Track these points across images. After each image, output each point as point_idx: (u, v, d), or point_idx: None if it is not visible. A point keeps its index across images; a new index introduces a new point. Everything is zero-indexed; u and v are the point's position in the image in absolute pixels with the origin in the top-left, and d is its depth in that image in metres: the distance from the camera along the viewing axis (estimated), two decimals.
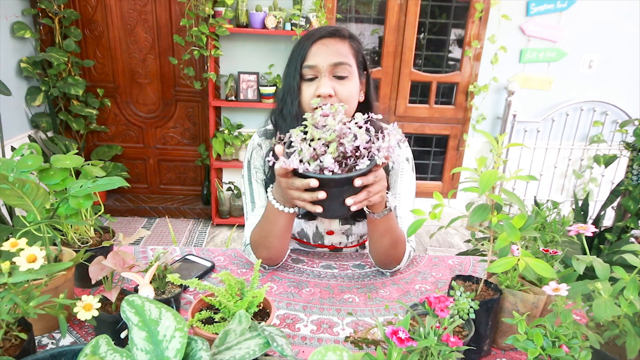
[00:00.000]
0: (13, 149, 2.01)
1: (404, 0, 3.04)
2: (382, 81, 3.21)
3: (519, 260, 0.63)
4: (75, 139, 3.09)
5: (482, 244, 0.81)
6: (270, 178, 1.05)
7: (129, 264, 0.73)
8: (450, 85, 3.27)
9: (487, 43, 3.07)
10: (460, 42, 3.17)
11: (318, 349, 0.50)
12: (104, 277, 0.71)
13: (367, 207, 0.91)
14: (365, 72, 1.04)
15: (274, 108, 1.05)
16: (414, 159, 1.12)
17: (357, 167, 0.75)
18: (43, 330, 0.75)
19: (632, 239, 1.96)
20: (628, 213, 1.99)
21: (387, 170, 1.06)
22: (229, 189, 3.28)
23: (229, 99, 3.03)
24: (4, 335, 0.60)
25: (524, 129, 3.26)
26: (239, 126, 3.17)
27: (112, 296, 0.69)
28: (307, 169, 0.75)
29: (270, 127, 1.09)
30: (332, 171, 0.74)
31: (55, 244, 0.81)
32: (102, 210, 0.92)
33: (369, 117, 0.79)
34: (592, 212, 3.29)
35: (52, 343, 0.73)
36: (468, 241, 2.52)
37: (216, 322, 0.69)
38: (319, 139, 0.75)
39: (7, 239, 0.61)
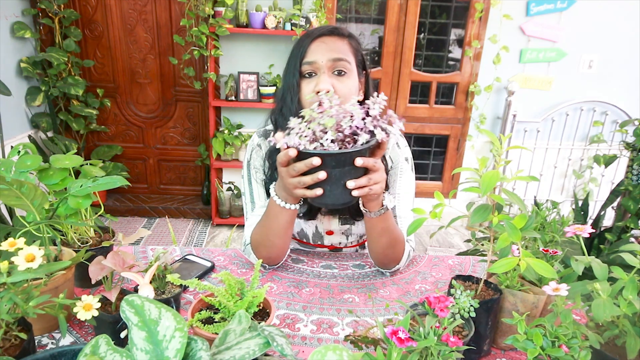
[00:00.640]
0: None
1: (404, 0, 3.04)
2: (382, 81, 3.21)
3: (520, 260, 0.63)
4: (75, 139, 3.09)
5: (482, 244, 0.81)
6: (270, 178, 1.06)
7: (129, 264, 0.73)
8: (450, 85, 3.27)
9: (487, 43, 3.07)
10: (460, 42, 3.17)
11: (318, 348, 0.50)
12: (103, 277, 0.71)
13: (363, 205, 0.92)
14: (364, 72, 1.04)
15: (274, 107, 1.05)
16: (414, 159, 1.12)
17: (358, 142, 0.75)
18: (43, 330, 0.75)
19: (632, 239, 1.96)
20: (628, 213, 1.99)
21: (386, 170, 1.06)
22: (229, 189, 3.28)
23: (229, 99, 3.03)
24: (3, 335, 0.60)
25: (524, 129, 3.26)
26: (239, 126, 3.17)
27: (112, 296, 0.69)
28: (306, 147, 0.75)
29: (270, 127, 1.09)
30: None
31: (55, 244, 0.81)
32: (102, 210, 0.92)
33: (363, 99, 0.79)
34: (592, 212, 3.29)
35: (52, 343, 0.73)
36: (468, 241, 2.52)
37: (216, 322, 0.69)
38: (318, 122, 0.75)
39: (6, 239, 0.61)
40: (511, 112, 3.15)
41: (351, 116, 0.75)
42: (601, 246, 1.98)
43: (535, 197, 2.61)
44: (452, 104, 3.31)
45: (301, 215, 1.08)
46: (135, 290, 0.73)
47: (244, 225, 1.08)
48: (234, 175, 3.36)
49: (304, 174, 0.78)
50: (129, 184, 0.85)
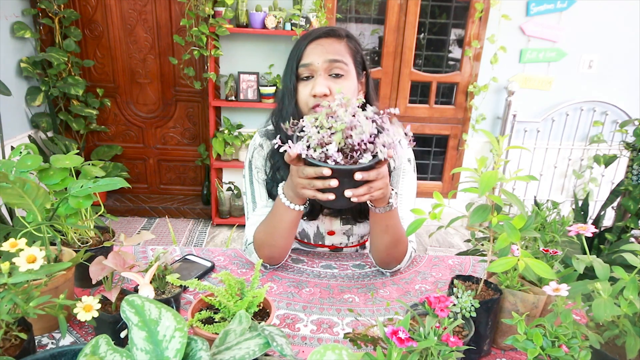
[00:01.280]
0: (13, 149, 2.02)
1: (404, 0, 3.04)
2: (382, 81, 3.21)
3: (518, 260, 0.63)
4: (75, 139, 3.09)
5: (482, 244, 0.81)
6: (271, 178, 1.06)
7: (129, 264, 0.73)
8: (450, 85, 3.27)
9: (487, 43, 3.07)
10: (460, 42, 3.17)
11: (317, 348, 0.50)
12: (104, 277, 0.71)
13: (370, 201, 0.92)
14: (364, 72, 1.04)
15: (274, 109, 1.06)
16: (414, 159, 1.13)
17: (360, 161, 0.76)
18: (43, 330, 0.75)
19: (632, 239, 1.96)
20: (628, 213, 1.99)
21: (389, 170, 1.07)
22: (229, 189, 3.28)
23: (229, 99, 3.03)
24: (4, 335, 0.60)
25: (524, 129, 3.26)
26: (239, 126, 3.17)
27: (112, 296, 0.69)
28: (311, 155, 0.76)
29: (271, 127, 1.09)
30: (335, 161, 0.75)
31: (54, 244, 0.81)
32: (102, 210, 0.92)
33: (384, 112, 0.79)
34: (592, 212, 3.29)
35: (52, 343, 0.74)
36: (468, 241, 2.52)
37: (216, 322, 0.69)
38: (329, 127, 0.76)
39: (6, 239, 0.61)
40: (511, 112, 3.15)
41: (362, 131, 0.76)
42: (601, 246, 1.98)
43: (535, 197, 2.62)
44: (452, 104, 3.31)
45: (303, 216, 1.08)
46: (136, 290, 0.73)
47: (244, 225, 1.08)
48: (234, 175, 3.36)
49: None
50: (130, 185, 0.85)
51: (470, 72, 3.17)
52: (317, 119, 0.78)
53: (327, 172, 0.75)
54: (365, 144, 0.76)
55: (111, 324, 0.68)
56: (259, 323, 0.63)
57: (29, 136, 2.79)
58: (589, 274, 0.67)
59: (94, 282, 0.69)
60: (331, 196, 0.79)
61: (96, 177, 0.84)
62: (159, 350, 0.47)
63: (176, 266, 0.83)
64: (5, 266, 0.58)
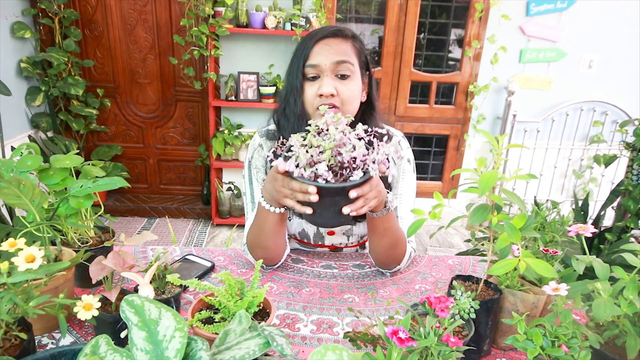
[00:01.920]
0: (13, 149, 2.02)
1: (404, 0, 3.04)
2: (382, 81, 3.21)
3: (519, 261, 0.63)
4: (75, 139, 3.09)
5: (482, 244, 0.81)
6: None
7: (129, 264, 0.73)
8: (450, 85, 3.27)
9: (487, 43, 3.07)
10: (460, 42, 3.17)
11: (317, 348, 0.50)
12: (104, 277, 0.71)
13: None
14: (367, 73, 1.04)
15: (276, 107, 1.05)
16: (414, 159, 1.13)
17: (351, 179, 0.76)
18: (43, 330, 0.75)
19: (632, 239, 1.96)
20: (628, 213, 1.99)
21: (387, 183, 1.07)
22: (229, 189, 3.28)
23: (229, 99, 3.03)
24: (4, 335, 0.60)
25: (524, 129, 3.26)
26: (239, 126, 3.17)
27: (112, 296, 0.69)
28: (301, 175, 0.76)
29: (272, 127, 1.09)
30: (326, 179, 0.75)
31: (54, 244, 0.81)
32: (102, 210, 0.92)
33: (371, 130, 0.79)
34: (592, 212, 3.29)
35: (52, 343, 0.74)
36: (468, 241, 2.52)
37: (216, 322, 0.69)
38: (317, 146, 0.76)
39: (7, 239, 0.61)
40: (511, 112, 3.15)
41: (353, 147, 0.76)
42: (601, 246, 1.98)
43: (535, 197, 2.62)
44: (452, 104, 3.31)
45: (302, 216, 1.08)
46: (135, 290, 0.73)
47: (244, 225, 1.08)
48: (234, 175, 3.36)
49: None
50: (129, 185, 0.85)
51: (470, 72, 3.17)
52: (305, 138, 0.78)
53: (312, 190, 0.74)
54: (354, 161, 0.77)
55: (111, 324, 0.67)
56: (259, 323, 0.63)
57: (29, 136, 2.79)
58: (589, 274, 0.67)
59: (94, 282, 0.69)
60: (309, 210, 0.79)
61: (96, 177, 0.84)
62: (159, 350, 0.47)
63: (176, 266, 0.83)
64: (4, 266, 0.58)
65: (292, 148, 0.78)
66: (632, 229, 1.96)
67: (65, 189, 0.81)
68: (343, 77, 0.95)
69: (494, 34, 3.02)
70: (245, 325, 0.57)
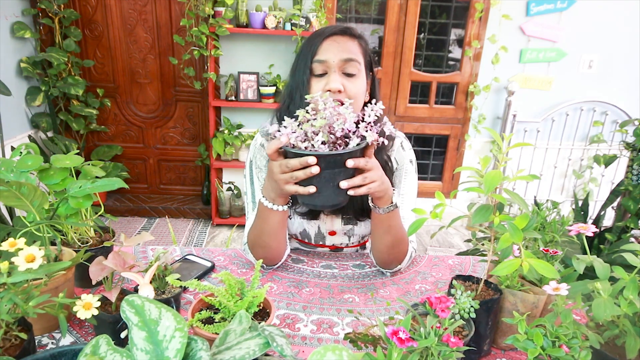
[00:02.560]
0: (13, 149, 2.02)
1: (404, 0, 3.04)
2: (382, 81, 3.21)
3: (522, 262, 0.63)
4: (75, 139, 3.09)
5: (483, 244, 0.81)
6: None
7: (129, 264, 0.73)
8: (450, 85, 3.27)
9: (487, 43, 3.07)
10: (460, 42, 3.17)
11: (317, 348, 0.50)
12: (104, 277, 0.71)
13: (371, 201, 0.92)
14: (370, 73, 1.04)
15: (279, 106, 1.05)
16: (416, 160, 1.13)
17: (347, 148, 0.76)
18: (43, 330, 0.75)
19: (632, 239, 1.96)
20: (628, 213, 1.99)
21: (391, 171, 1.07)
22: (229, 189, 3.28)
23: (229, 99, 3.03)
24: (4, 335, 0.60)
25: (524, 129, 3.26)
26: (239, 126, 3.16)
27: (112, 296, 0.69)
28: (294, 145, 0.76)
29: (274, 126, 1.09)
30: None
31: (54, 244, 0.81)
32: (102, 210, 0.92)
33: (377, 118, 0.80)
34: (592, 212, 3.29)
35: (52, 343, 0.73)
36: (468, 241, 2.52)
37: (216, 322, 0.69)
38: (307, 121, 0.76)
39: (7, 239, 0.61)
40: (511, 112, 3.15)
41: (344, 120, 0.76)
42: (601, 246, 1.98)
43: (535, 197, 2.62)
44: (452, 104, 3.31)
45: (304, 215, 1.08)
46: (136, 290, 0.73)
47: (244, 225, 1.08)
48: (234, 175, 3.36)
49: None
50: (127, 186, 0.85)
51: (470, 72, 3.17)
52: (297, 119, 0.78)
53: (312, 160, 0.74)
54: (348, 133, 0.76)
55: (111, 324, 0.67)
56: (259, 323, 0.63)
57: (29, 136, 2.79)
58: (589, 274, 0.67)
59: (94, 282, 0.69)
60: (312, 189, 0.77)
61: (96, 177, 0.84)
62: (159, 350, 0.47)
63: (176, 266, 0.83)
64: (4, 266, 0.58)
65: (283, 124, 0.79)
66: (632, 229, 1.96)
67: (65, 189, 0.81)
68: (350, 75, 0.96)
69: (494, 34, 3.02)
70: (246, 325, 0.57)
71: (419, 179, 3.41)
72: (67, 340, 0.74)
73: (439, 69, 3.26)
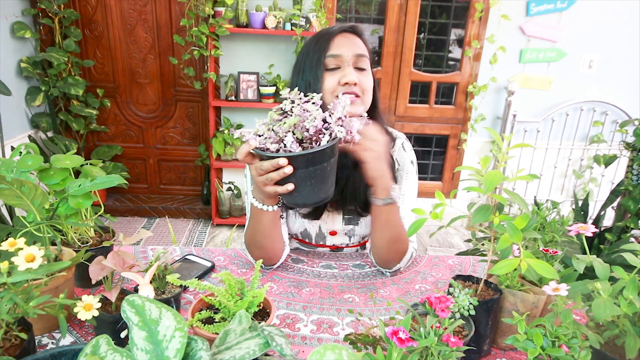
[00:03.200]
0: (13, 149, 2.02)
1: (404, 0, 3.04)
2: (382, 81, 3.21)
3: (521, 261, 0.63)
4: (75, 139, 3.09)
5: (483, 244, 0.81)
6: None
7: (129, 264, 0.73)
8: (450, 85, 3.27)
9: (487, 43, 3.07)
10: (460, 42, 3.17)
11: (317, 348, 0.50)
12: (104, 277, 0.71)
13: (372, 193, 0.94)
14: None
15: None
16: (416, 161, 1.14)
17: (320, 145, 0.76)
18: (43, 330, 0.75)
19: (632, 239, 1.96)
20: (628, 213, 1.99)
21: (393, 171, 1.07)
22: (229, 189, 3.28)
23: (229, 99, 3.03)
24: (4, 335, 0.60)
25: (524, 129, 3.26)
26: (239, 126, 3.16)
27: (112, 296, 0.69)
28: (267, 148, 0.76)
29: None
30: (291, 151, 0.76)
31: (55, 244, 0.81)
32: (102, 210, 0.92)
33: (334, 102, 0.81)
34: (592, 212, 3.29)
35: (52, 343, 0.73)
36: (468, 241, 2.52)
37: (216, 322, 0.69)
38: (279, 120, 0.78)
39: (7, 239, 0.61)
40: (511, 112, 3.15)
41: (314, 118, 0.76)
42: (601, 246, 1.98)
43: (535, 197, 2.62)
44: (452, 104, 3.31)
45: (306, 216, 1.08)
46: (136, 290, 0.73)
47: (244, 225, 1.09)
48: (234, 175, 3.36)
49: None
50: (127, 182, 0.86)
51: (470, 72, 3.17)
52: (265, 124, 0.79)
53: (283, 161, 0.74)
54: (320, 130, 0.77)
55: (111, 324, 0.67)
56: (259, 323, 0.63)
57: (29, 136, 2.79)
58: (589, 274, 0.67)
59: (94, 282, 0.69)
60: (290, 186, 0.78)
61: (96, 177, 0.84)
62: (159, 350, 0.47)
63: (176, 266, 0.83)
64: (4, 266, 0.58)
65: (259, 131, 0.80)
66: (632, 229, 1.96)
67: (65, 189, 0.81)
68: (361, 69, 0.99)
69: (494, 34, 3.02)
70: (245, 325, 0.57)
71: (419, 179, 3.41)
72: (67, 340, 0.74)
73: (439, 69, 3.26)
